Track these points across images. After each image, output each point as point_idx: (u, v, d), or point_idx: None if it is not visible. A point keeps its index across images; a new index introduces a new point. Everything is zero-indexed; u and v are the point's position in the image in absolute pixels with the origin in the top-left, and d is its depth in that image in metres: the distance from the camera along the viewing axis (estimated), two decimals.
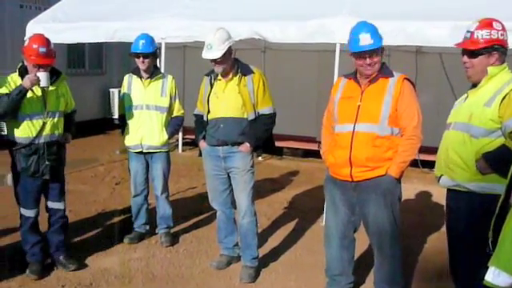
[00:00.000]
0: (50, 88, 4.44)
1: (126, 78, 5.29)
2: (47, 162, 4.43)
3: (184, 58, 9.84)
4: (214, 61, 4.28)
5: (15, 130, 4.38)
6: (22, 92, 4.22)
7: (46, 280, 4.49)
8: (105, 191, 7.26)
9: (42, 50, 4.28)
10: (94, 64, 12.19)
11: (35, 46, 4.29)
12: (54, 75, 4.47)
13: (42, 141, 4.41)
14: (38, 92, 4.39)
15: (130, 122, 5.19)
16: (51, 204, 4.65)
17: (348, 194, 3.80)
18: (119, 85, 12.48)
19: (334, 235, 3.94)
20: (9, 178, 3.96)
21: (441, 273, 4.38)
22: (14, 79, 4.38)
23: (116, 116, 11.93)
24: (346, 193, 3.81)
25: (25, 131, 4.37)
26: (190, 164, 8.63)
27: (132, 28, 6.67)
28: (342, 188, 3.82)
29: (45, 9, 9.31)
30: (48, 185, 4.56)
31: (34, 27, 7.47)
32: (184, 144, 10.04)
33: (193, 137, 9.42)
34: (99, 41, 7.70)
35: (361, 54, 3.64)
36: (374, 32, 3.66)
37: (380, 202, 3.68)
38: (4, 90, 4.28)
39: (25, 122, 4.36)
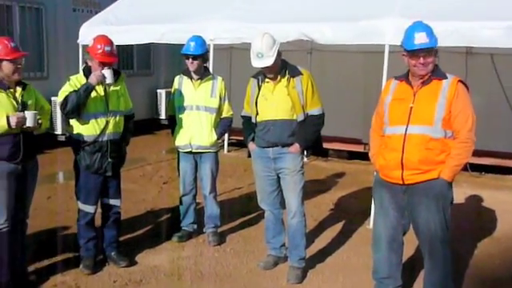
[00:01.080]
0: (112, 88, 4.60)
1: (177, 78, 5.38)
2: (109, 160, 4.59)
3: (230, 59, 9.94)
4: (266, 67, 4.32)
5: (80, 128, 4.54)
6: (88, 89, 4.42)
7: (98, 275, 4.63)
8: (153, 190, 7.41)
9: (107, 48, 4.48)
10: (142, 65, 12.43)
11: (100, 46, 4.48)
12: (115, 75, 4.63)
13: (105, 139, 4.56)
14: (101, 92, 4.55)
15: (180, 123, 5.28)
16: (109, 200, 4.79)
17: (398, 197, 3.76)
18: (166, 86, 12.81)
19: (382, 238, 3.90)
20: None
21: (494, 278, 4.30)
22: (79, 79, 4.56)
23: (163, 116, 12.27)
24: (395, 195, 3.77)
25: (89, 130, 4.53)
26: (235, 164, 8.70)
27: (181, 30, 6.79)
28: (391, 191, 3.78)
29: (96, 12, 9.58)
30: (107, 182, 4.71)
31: (86, 30, 7.70)
32: (229, 144, 10.13)
33: (239, 138, 9.53)
34: (149, 42, 7.85)
35: (415, 53, 3.60)
36: (430, 32, 3.61)
37: (432, 206, 3.63)
38: (70, 88, 4.47)
39: (89, 121, 4.52)
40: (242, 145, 10.03)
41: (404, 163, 3.62)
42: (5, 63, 4.04)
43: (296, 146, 4.46)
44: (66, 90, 4.50)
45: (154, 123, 12.25)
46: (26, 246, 4.42)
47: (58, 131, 9.67)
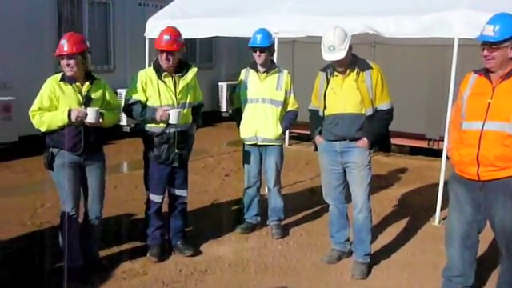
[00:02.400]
0: (181, 82, 4.66)
1: (243, 71, 5.41)
2: (177, 151, 4.67)
3: (293, 52, 9.91)
4: (337, 61, 4.28)
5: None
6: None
7: (164, 263, 4.74)
8: (215, 182, 7.51)
9: (166, 37, 4.56)
10: (204, 58, 12.60)
11: (161, 35, 4.59)
12: (185, 67, 4.71)
13: (172, 130, 4.64)
14: (171, 84, 4.63)
15: (246, 115, 5.31)
16: (176, 191, 4.88)
17: (474, 193, 3.65)
18: (227, 79, 12.93)
19: (456, 234, 3.80)
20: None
21: None
22: (148, 73, 4.68)
23: (224, 109, 12.41)
24: (471, 192, 3.66)
25: (155, 123, 4.62)
26: (297, 158, 8.70)
27: (246, 23, 6.80)
28: (467, 186, 3.68)
29: (161, 6, 9.74)
30: (174, 172, 4.80)
31: (153, 24, 7.84)
32: (291, 138, 10.12)
33: (300, 131, 9.52)
34: (214, 35, 7.92)
35: (482, 45, 3.51)
36: (504, 25, 3.46)
37: (508, 204, 3.51)
38: (139, 88, 4.60)
39: None
40: (303, 138, 10.04)
41: (480, 159, 3.52)
42: (61, 59, 4.18)
43: (364, 141, 4.42)
44: (133, 89, 4.64)
45: (215, 116, 12.41)
46: (96, 233, 4.59)
47: (123, 122, 9.94)
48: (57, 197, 6.13)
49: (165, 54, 4.54)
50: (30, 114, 4.18)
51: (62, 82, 4.17)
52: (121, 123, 9.95)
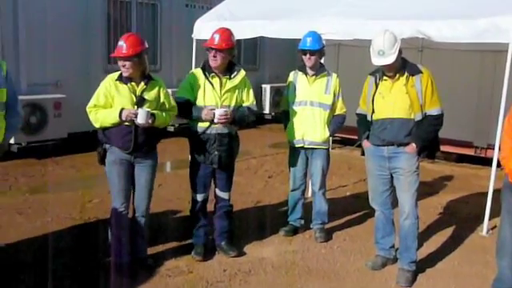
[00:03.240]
0: (228, 84, 4.69)
1: (292, 74, 5.40)
2: (216, 152, 4.68)
3: (338, 55, 9.85)
4: (386, 65, 4.24)
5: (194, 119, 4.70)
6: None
7: (208, 263, 4.78)
8: (258, 183, 7.54)
9: (216, 35, 4.62)
10: (248, 60, 12.64)
11: (212, 34, 4.66)
12: (234, 69, 4.75)
13: (213, 132, 4.66)
14: (217, 85, 4.67)
15: (293, 118, 5.30)
16: (218, 192, 4.92)
17: None
18: (270, 81, 12.90)
19: (509, 246, 3.72)
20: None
21: None
22: (196, 73, 4.75)
23: (267, 111, 12.42)
24: None
25: (201, 121, 4.67)
26: (340, 162, 8.64)
27: (293, 26, 6.80)
28: None
29: (207, 8, 9.87)
30: (217, 173, 4.83)
31: (200, 25, 7.92)
32: (334, 142, 10.04)
33: (343, 135, 9.44)
34: (261, 36, 7.94)
35: None
36: None
37: None
38: (188, 87, 4.68)
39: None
40: (346, 142, 9.96)
41: None
42: (118, 60, 4.25)
43: (412, 146, 4.36)
44: (182, 89, 4.73)
45: (258, 118, 12.41)
46: (144, 230, 4.65)
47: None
48: (104, 193, 6.32)
49: (213, 52, 4.59)
50: (87, 109, 4.30)
51: (118, 81, 4.26)
52: None
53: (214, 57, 4.59)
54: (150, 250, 4.81)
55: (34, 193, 6.73)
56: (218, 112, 4.56)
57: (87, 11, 9.37)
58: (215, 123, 4.57)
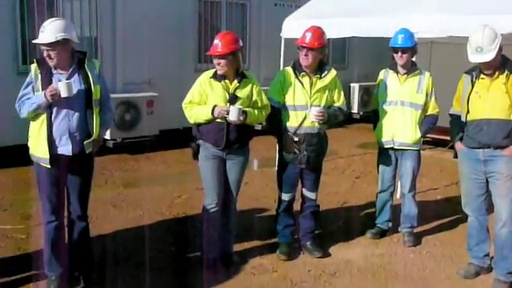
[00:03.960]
0: (318, 84, 4.64)
1: (382, 72, 5.27)
2: (305, 153, 4.64)
3: (430, 54, 9.51)
4: (485, 62, 4.03)
5: (284, 118, 4.71)
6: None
7: (293, 262, 4.77)
8: (345, 184, 7.43)
9: (308, 34, 4.60)
10: (337, 59, 12.50)
11: (304, 32, 4.63)
12: (324, 69, 4.70)
13: (302, 132, 4.64)
14: (307, 85, 4.64)
15: (383, 118, 5.16)
16: (305, 192, 4.90)
17: None
18: (359, 80, 12.68)
19: None
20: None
21: None
22: (288, 72, 4.72)
23: (355, 110, 12.23)
24: None
25: (290, 121, 4.67)
26: (430, 164, 8.31)
27: (383, 23, 6.62)
28: None
29: (296, 6, 9.82)
30: (304, 173, 4.80)
31: (289, 24, 7.92)
32: (424, 143, 9.70)
33: (435, 136, 9.08)
34: (351, 35, 7.81)
35: None
36: None
37: None
38: (275, 92, 4.72)
39: (291, 112, 4.66)
40: (436, 144, 9.59)
41: None
42: (213, 58, 4.31)
43: (511, 149, 4.11)
44: (273, 88, 4.78)
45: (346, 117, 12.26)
46: (233, 227, 4.71)
47: None
48: (193, 189, 6.47)
49: (304, 51, 4.56)
50: (183, 105, 4.42)
51: (212, 79, 4.33)
52: None
53: (306, 55, 4.56)
54: (236, 247, 4.86)
55: (128, 187, 7.03)
56: (315, 110, 4.53)
57: (180, 12, 9.67)
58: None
